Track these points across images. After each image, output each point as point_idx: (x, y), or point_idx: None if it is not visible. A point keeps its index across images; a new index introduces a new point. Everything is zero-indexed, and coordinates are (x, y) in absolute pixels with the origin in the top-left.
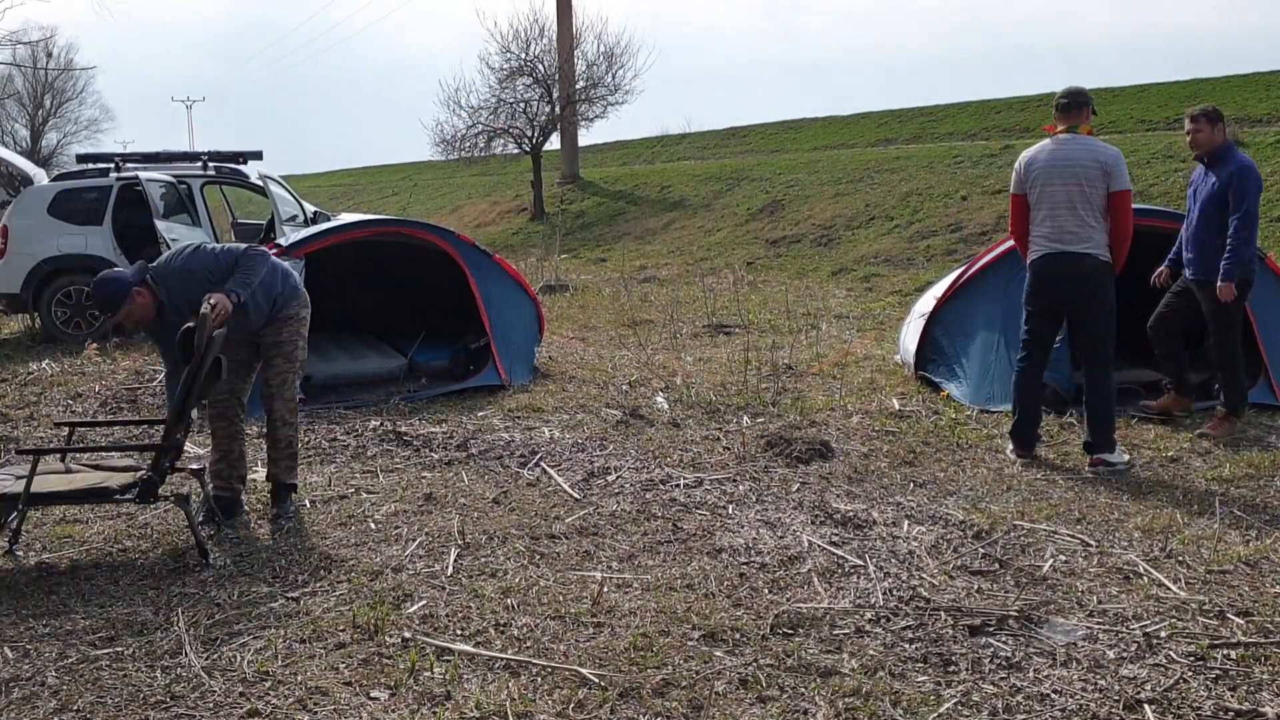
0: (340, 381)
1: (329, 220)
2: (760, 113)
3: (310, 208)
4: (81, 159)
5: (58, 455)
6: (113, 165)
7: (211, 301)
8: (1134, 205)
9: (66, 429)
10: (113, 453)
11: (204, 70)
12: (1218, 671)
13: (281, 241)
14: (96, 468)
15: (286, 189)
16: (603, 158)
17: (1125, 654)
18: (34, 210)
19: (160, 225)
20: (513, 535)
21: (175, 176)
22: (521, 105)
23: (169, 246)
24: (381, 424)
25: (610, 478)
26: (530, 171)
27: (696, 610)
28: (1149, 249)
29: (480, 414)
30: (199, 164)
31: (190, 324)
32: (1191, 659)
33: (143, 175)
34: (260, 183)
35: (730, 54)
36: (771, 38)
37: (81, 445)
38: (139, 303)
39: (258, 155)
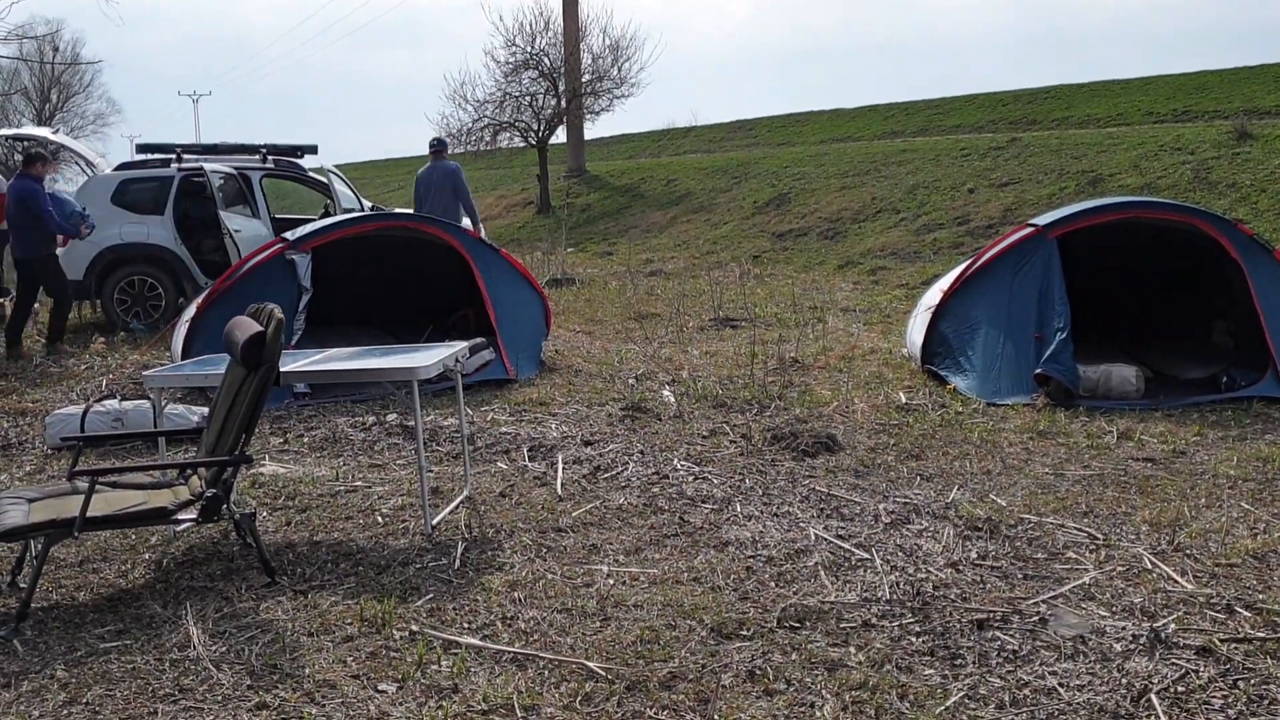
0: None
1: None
2: (766, 106)
3: (367, 202)
4: (141, 149)
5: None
6: (174, 156)
7: None
8: (1138, 198)
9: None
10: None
11: (210, 64)
12: (1225, 665)
13: (288, 235)
14: (122, 486)
15: (346, 183)
16: (609, 151)
17: (1132, 647)
18: (98, 199)
19: (222, 215)
20: (519, 529)
21: (235, 168)
22: (527, 99)
23: (230, 236)
24: (389, 417)
25: (616, 471)
26: (536, 165)
27: (703, 604)
28: (1157, 241)
29: (487, 408)
30: (258, 157)
31: (257, 330)
32: (1199, 653)
33: (206, 166)
34: (319, 176)
35: (736, 46)
36: (777, 28)
37: (145, 464)
38: None
39: (313, 149)
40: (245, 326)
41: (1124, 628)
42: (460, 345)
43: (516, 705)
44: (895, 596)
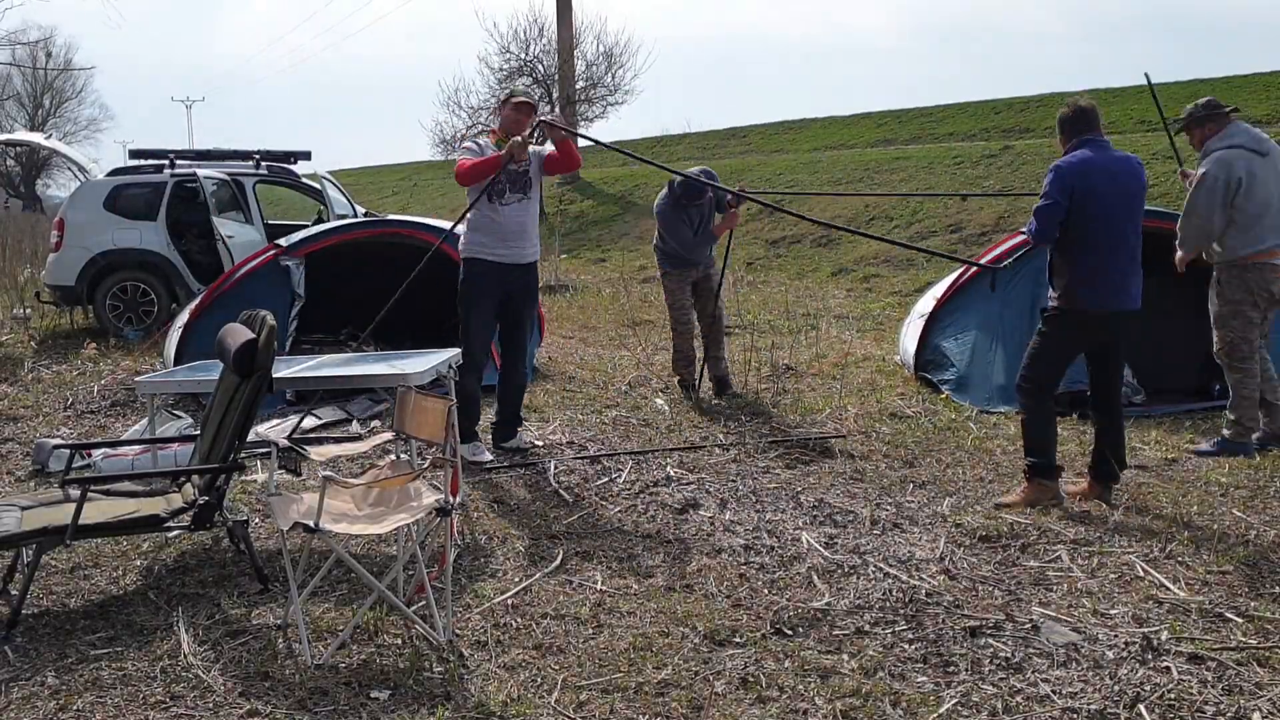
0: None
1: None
2: (760, 113)
3: (361, 208)
4: (134, 154)
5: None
6: (167, 162)
7: None
8: None
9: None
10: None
11: (203, 70)
12: (1217, 673)
13: (282, 241)
14: (114, 494)
15: (340, 189)
16: (602, 158)
17: (1125, 655)
18: (90, 204)
19: (215, 221)
20: (512, 535)
21: (228, 174)
22: None
23: (223, 242)
24: (380, 424)
25: (609, 478)
26: None
27: (696, 611)
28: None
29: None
30: (251, 163)
31: (250, 338)
32: (1191, 660)
33: (200, 172)
34: (312, 182)
35: (731, 53)
36: (769, 36)
37: (137, 471)
38: None
39: (306, 155)
40: (238, 334)
41: (1116, 635)
42: (453, 352)
43: (509, 713)
44: (888, 603)
